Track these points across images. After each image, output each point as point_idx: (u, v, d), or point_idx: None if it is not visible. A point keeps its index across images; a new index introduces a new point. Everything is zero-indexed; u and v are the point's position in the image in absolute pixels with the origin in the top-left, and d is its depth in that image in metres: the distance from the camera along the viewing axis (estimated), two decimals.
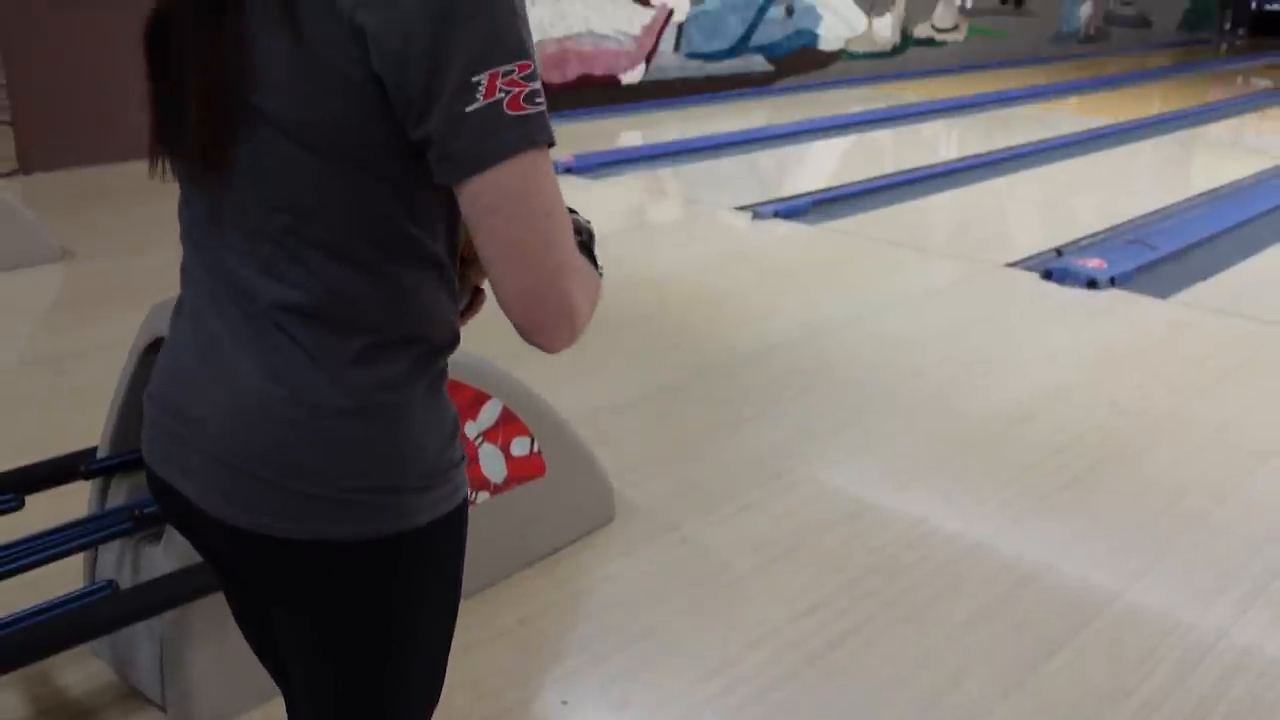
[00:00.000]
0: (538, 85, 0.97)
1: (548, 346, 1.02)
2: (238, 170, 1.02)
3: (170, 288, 1.19)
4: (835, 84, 11.32)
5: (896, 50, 12.27)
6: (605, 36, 9.27)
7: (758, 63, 10.65)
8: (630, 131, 8.58)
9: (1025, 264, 5.22)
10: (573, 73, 9.12)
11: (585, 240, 1.16)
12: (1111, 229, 5.93)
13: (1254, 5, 18.88)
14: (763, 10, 10.52)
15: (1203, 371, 3.98)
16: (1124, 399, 3.70)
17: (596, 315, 1.09)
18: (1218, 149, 9.21)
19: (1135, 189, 7.29)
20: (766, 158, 7.94)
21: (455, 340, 1.13)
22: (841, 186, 6.82)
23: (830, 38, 11.38)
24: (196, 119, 1.00)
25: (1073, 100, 11.15)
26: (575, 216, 1.13)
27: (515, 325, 1.00)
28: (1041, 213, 6.71)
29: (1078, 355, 4.13)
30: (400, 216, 1.02)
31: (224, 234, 1.06)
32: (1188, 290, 4.91)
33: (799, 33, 10.99)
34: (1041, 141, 8.45)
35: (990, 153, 8.05)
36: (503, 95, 0.94)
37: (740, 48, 10.43)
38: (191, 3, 0.99)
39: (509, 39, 0.95)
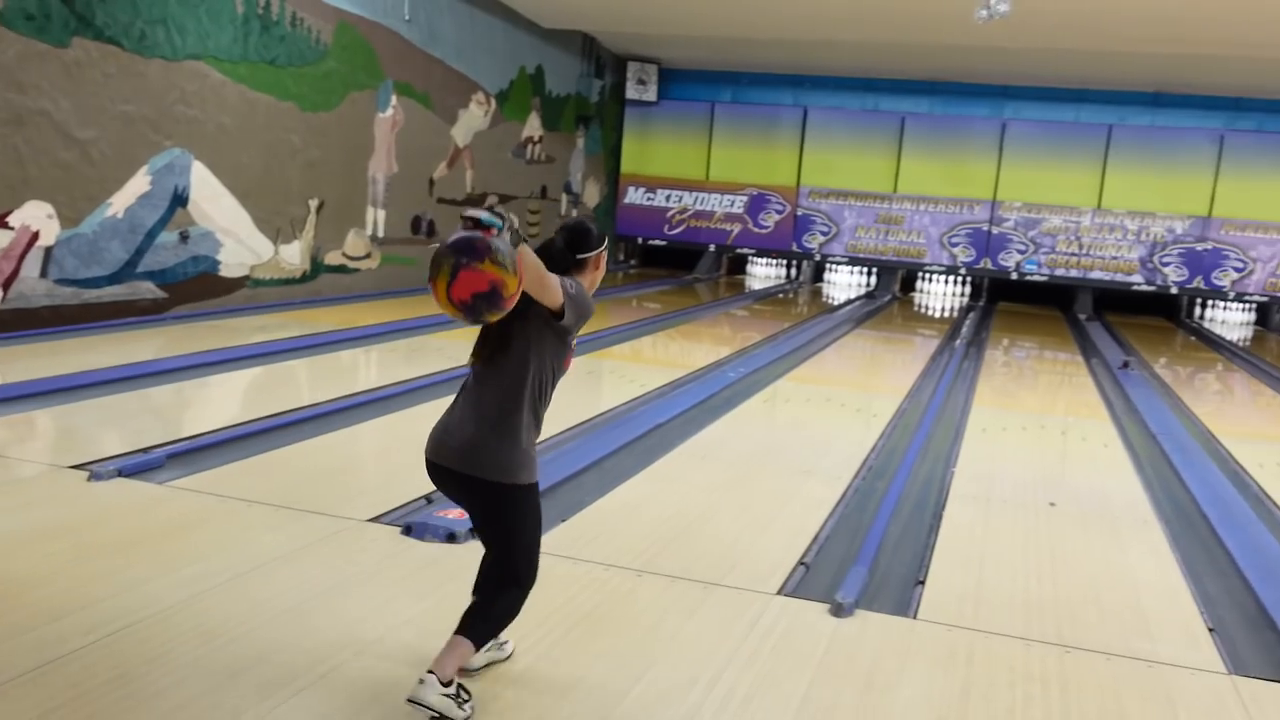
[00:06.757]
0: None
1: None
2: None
3: None
4: (241, 310, 10.79)
5: (307, 277, 12.06)
6: None
7: (147, 289, 9.84)
8: None
9: (388, 518, 4.94)
10: None
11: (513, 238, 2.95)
12: None
13: (640, 240, 21.44)
14: (152, 235, 9.80)
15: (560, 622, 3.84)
16: None
17: None
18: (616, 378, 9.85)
19: None
20: (133, 400, 7.06)
21: (542, 411, 3.30)
22: (207, 434, 6.20)
23: (232, 264, 10.89)
24: (491, 351, 3.23)
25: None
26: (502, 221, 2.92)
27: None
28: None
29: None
30: (540, 362, 3.23)
31: (479, 370, 3.25)
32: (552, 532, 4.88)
33: (196, 259, 10.38)
34: (440, 373, 8.48)
35: (406, 382, 7.92)
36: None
37: (125, 274, 9.59)
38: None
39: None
